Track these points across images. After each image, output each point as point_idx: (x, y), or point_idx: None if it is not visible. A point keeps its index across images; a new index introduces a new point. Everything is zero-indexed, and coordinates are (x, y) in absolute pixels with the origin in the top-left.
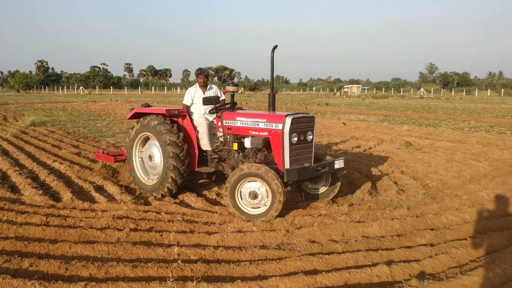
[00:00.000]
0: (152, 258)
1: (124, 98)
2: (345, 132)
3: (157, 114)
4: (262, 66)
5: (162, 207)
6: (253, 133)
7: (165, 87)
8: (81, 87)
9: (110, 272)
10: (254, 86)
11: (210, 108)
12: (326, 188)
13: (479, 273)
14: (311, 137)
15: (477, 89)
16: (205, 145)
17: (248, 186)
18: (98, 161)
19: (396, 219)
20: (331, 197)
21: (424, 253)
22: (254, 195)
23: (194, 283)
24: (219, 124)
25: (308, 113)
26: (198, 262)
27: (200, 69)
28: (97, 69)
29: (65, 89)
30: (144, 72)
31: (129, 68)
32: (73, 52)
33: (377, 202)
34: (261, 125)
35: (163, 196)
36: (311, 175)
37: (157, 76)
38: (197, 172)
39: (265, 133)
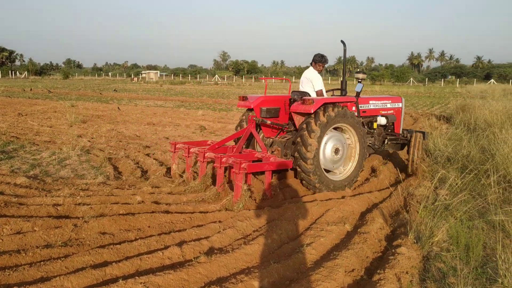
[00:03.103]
0: None
1: None
2: (142, 118)
3: (340, 103)
4: (50, 48)
5: None
6: (383, 112)
7: None
8: None
9: None
10: (41, 70)
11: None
12: None
13: (260, 241)
14: None
15: (263, 76)
16: None
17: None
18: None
19: (185, 203)
20: None
21: (213, 229)
22: None
23: None
24: (353, 108)
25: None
26: None
27: (324, 55)
28: None
29: None
30: None
31: None
32: None
33: (173, 187)
34: (388, 105)
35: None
36: None
37: None
38: None
39: (392, 111)
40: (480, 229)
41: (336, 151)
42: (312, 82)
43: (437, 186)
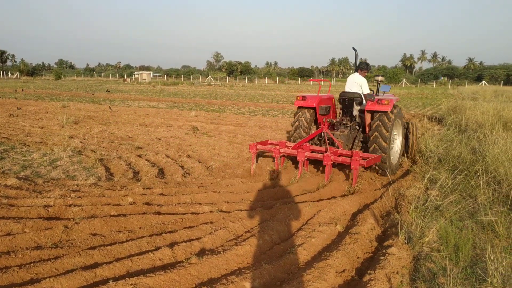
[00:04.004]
0: None
1: None
2: (134, 119)
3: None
4: (42, 48)
5: None
6: None
7: None
8: None
9: None
10: (33, 71)
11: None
12: None
13: (251, 242)
14: None
15: (257, 77)
16: None
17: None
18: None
19: (179, 204)
20: None
21: (205, 230)
22: None
23: None
24: None
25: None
26: None
27: (368, 63)
28: None
29: None
30: None
31: None
32: None
33: (164, 187)
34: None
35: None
36: None
37: None
38: None
39: None
40: (470, 229)
41: (393, 140)
42: (361, 86)
43: (428, 187)
